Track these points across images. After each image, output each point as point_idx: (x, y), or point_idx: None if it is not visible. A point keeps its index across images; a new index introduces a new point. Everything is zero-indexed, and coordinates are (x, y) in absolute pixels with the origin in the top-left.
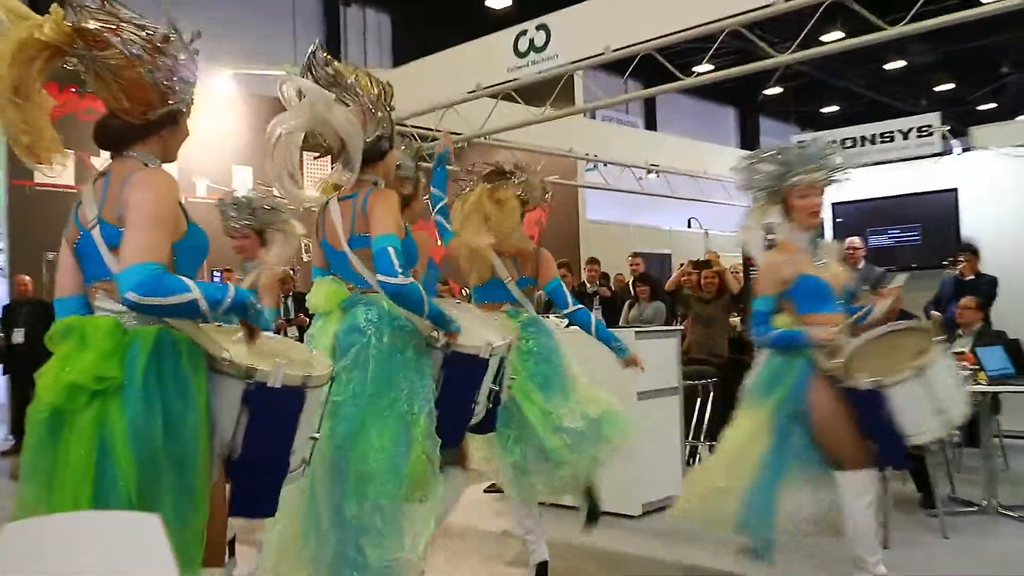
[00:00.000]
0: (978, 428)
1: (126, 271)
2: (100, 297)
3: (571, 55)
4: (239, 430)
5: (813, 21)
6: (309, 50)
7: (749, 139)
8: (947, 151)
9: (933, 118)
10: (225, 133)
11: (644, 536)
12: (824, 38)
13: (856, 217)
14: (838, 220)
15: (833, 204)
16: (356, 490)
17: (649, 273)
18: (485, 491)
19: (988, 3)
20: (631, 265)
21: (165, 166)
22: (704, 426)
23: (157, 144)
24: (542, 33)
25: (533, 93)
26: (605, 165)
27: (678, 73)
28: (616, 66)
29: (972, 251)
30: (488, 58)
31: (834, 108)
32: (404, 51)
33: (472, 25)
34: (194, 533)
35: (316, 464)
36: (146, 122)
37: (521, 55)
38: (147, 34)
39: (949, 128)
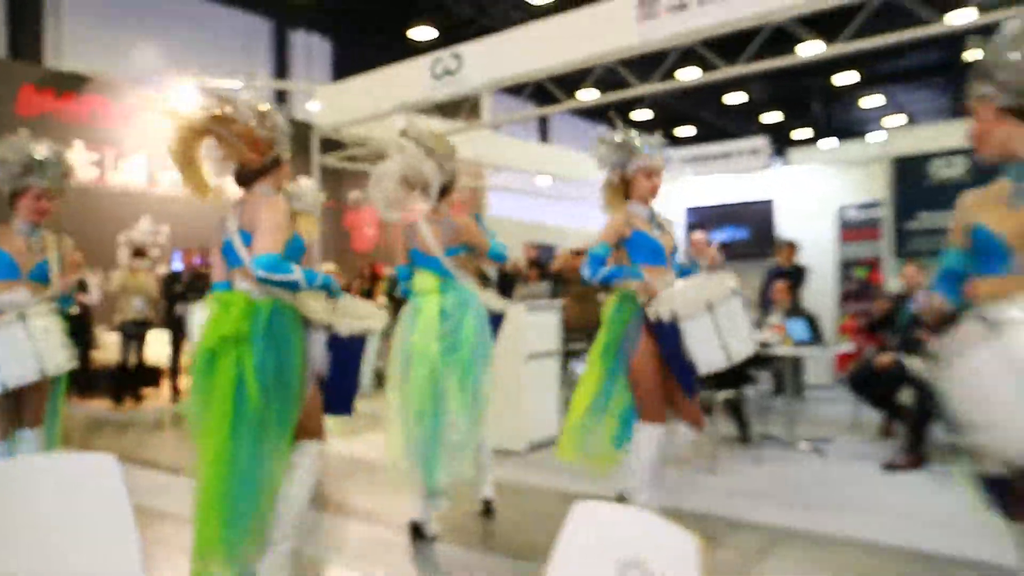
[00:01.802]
0: (784, 381)
1: (257, 257)
2: (238, 279)
3: (479, 78)
4: (326, 363)
5: (672, 60)
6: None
7: None
8: (770, 166)
9: (761, 141)
10: None
11: (529, 468)
12: (681, 74)
13: (703, 217)
14: (690, 220)
15: (688, 208)
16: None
17: (538, 259)
18: None
19: (802, 55)
20: (525, 252)
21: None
22: (576, 380)
23: (271, 180)
24: (455, 59)
25: (447, 109)
26: (505, 171)
27: (563, 97)
28: (516, 89)
29: (790, 245)
30: (411, 79)
31: (689, 130)
32: (342, 69)
33: (399, 51)
34: (291, 425)
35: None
36: (261, 166)
37: (438, 77)
38: (255, 107)
39: (773, 149)
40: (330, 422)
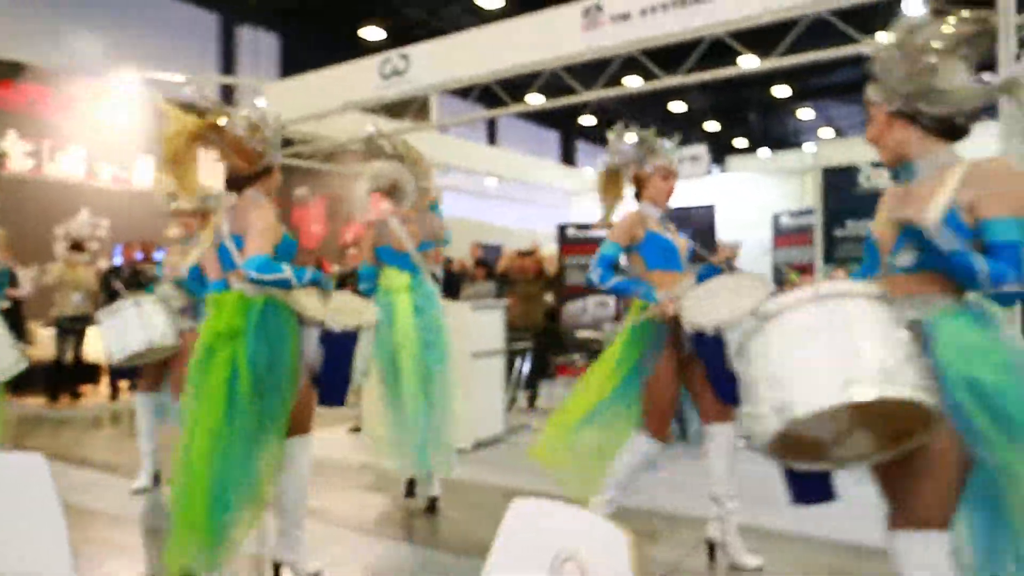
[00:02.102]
0: None
1: (249, 259)
2: (233, 280)
3: (426, 80)
4: (319, 357)
5: (615, 68)
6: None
7: (568, 157)
8: (710, 173)
9: (702, 149)
10: (130, 126)
11: (474, 465)
12: (625, 81)
13: None
14: None
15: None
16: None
17: (485, 259)
18: (349, 431)
19: (742, 67)
20: (472, 252)
21: None
22: (521, 379)
23: (261, 186)
24: (404, 60)
25: (395, 109)
26: (453, 172)
27: (510, 101)
28: (463, 92)
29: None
30: (359, 78)
31: (632, 137)
32: (289, 67)
33: (349, 50)
34: (283, 416)
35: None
36: (251, 173)
37: (386, 77)
38: (248, 119)
39: (712, 157)
40: None
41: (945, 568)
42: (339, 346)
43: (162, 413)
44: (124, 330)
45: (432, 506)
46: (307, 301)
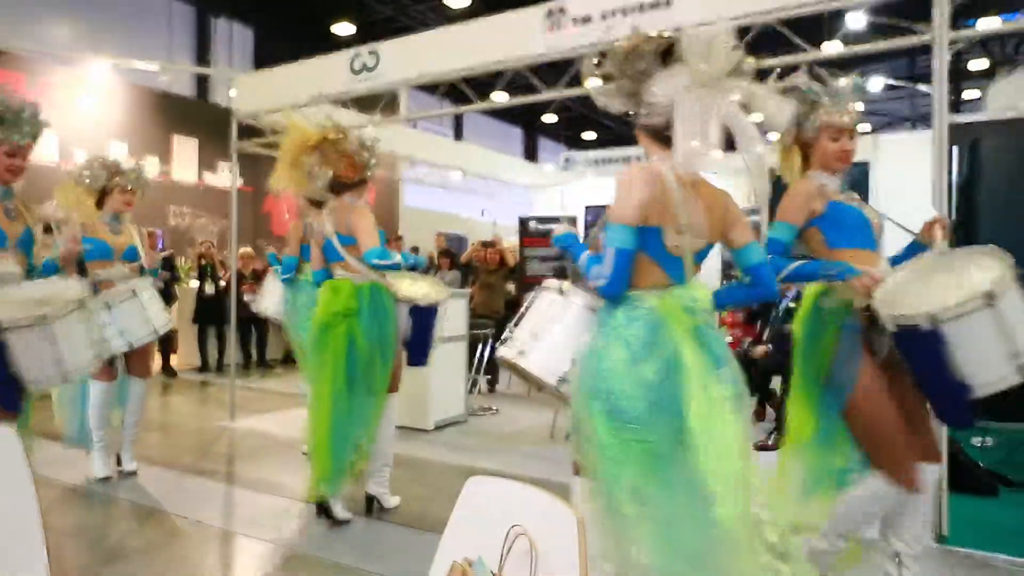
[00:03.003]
0: None
1: (369, 251)
2: (339, 271)
3: (395, 76)
4: (408, 328)
5: (577, 68)
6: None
7: (531, 153)
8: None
9: None
10: (104, 112)
11: (436, 446)
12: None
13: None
14: (588, 219)
15: (586, 207)
16: None
17: (450, 249)
18: None
19: None
20: (436, 242)
21: None
22: (483, 364)
23: (358, 192)
24: (373, 56)
25: (365, 103)
26: (420, 165)
27: (476, 98)
28: (431, 88)
29: None
30: (329, 72)
31: (592, 134)
32: (263, 59)
33: (320, 43)
34: (387, 377)
35: None
36: (354, 181)
37: (356, 72)
38: (360, 139)
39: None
40: (239, 402)
41: None
42: (425, 318)
43: (120, 400)
44: (132, 320)
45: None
46: (401, 283)
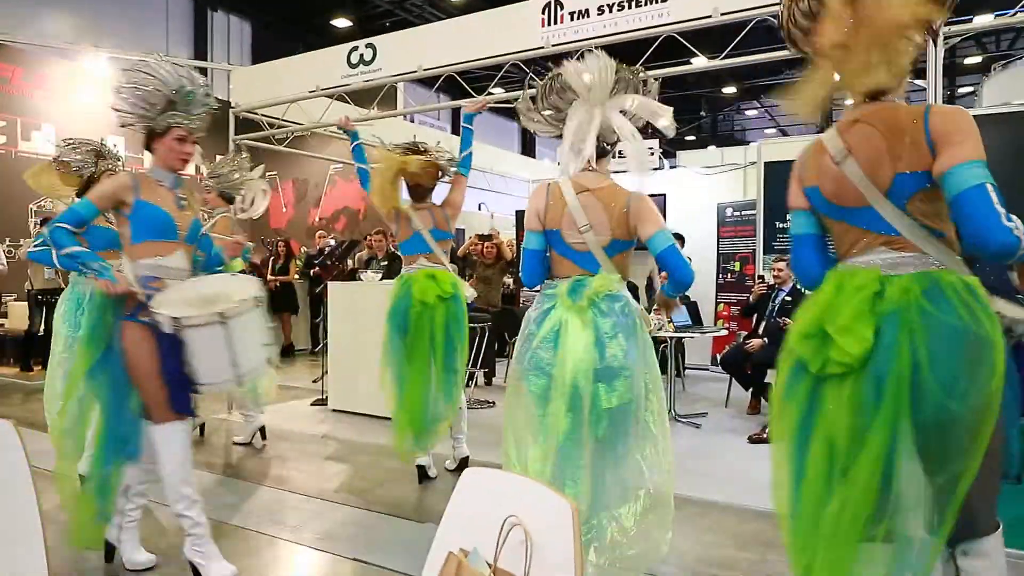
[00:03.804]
0: (667, 362)
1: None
2: (423, 259)
3: (392, 70)
4: None
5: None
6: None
7: (528, 147)
8: (662, 167)
9: (654, 143)
10: (102, 106)
11: None
12: None
13: None
14: None
15: None
16: None
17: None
18: (311, 404)
19: (693, 65)
20: None
21: None
22: (480, 357)
23: (430, 195)
24: (370, 50)
25: (362, 97)
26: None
27: (473, 92)
28: (429, 82)
29: (678, 237)
30: (327, 66)
31: None
32: (260, 53)
33: (318, 38)
34: (465, 356)
35: None
36: (432, 187)
37: (353, 66)
38: (443, 154)
39: (663, 151)
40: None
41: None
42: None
43: None
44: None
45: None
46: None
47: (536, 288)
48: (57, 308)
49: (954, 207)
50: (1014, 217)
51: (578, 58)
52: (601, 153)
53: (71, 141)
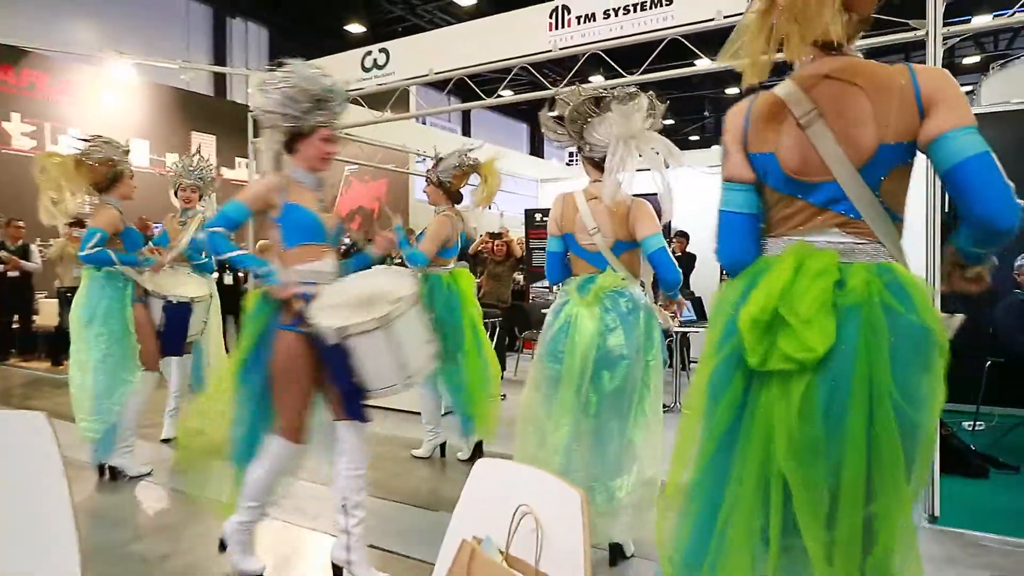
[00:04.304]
0: (673, 355)
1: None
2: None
3: (405, 74)
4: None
5: (580, 65)
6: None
7: (537, 148)
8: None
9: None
10: (126, 111)
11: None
12: (590, 78)
13: None
14: None
15: None
16: None
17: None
18: None
19: (697, 67)
20: None
21: None
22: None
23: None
24: (383, 55)
25: (376, 100)
26: (430, 160)
27: (483, 95)
28: (440, 85)
29: (683, 235)
30: (341, 70)
31: None
32: (277, 57)
33: (333, 42)
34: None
35: None
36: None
37: (367, 70)
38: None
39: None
40: None
41: None
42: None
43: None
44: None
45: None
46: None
47: (556, 284)
48: (73, 309)
49: (954, 177)
50: None
51: (615, 94)
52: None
53: (100, 136)
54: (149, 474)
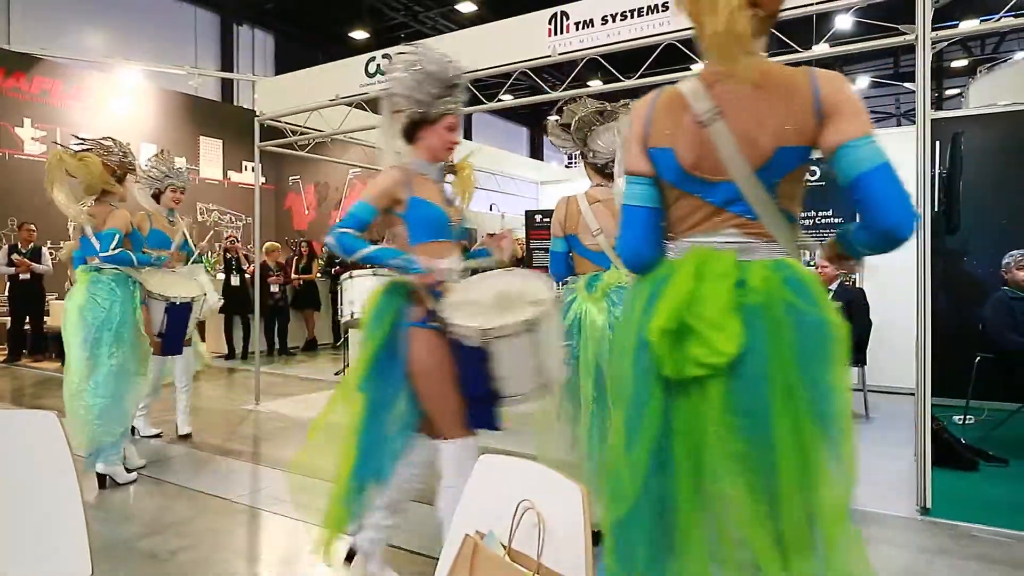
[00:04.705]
0: None
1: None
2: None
3: None
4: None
5: (578, 70)
6: None
7: (537, 151)
8: None
9: None
10: (135, 116)
11: None
12: (588, 83)
13: None
14: None
15: None
16: None
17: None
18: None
19: (693, 71)
20: None
21: None
22: None
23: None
24: (387, 61)
25: (379, 105)
26: None
27: (484, 99)
28: None
29: None
30: (346, 75)
31: None
32: (283, 64)
33: (337, 49)
34: None
35: None
36: None
37: (371, 75)
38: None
39: None
40: (264, 387)
41: None
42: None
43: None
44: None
45: None
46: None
47: (559, 282)
48: (75, 312)
49: (857, 188)
50: None
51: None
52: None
53: (109, 138)
54: (144, 465)
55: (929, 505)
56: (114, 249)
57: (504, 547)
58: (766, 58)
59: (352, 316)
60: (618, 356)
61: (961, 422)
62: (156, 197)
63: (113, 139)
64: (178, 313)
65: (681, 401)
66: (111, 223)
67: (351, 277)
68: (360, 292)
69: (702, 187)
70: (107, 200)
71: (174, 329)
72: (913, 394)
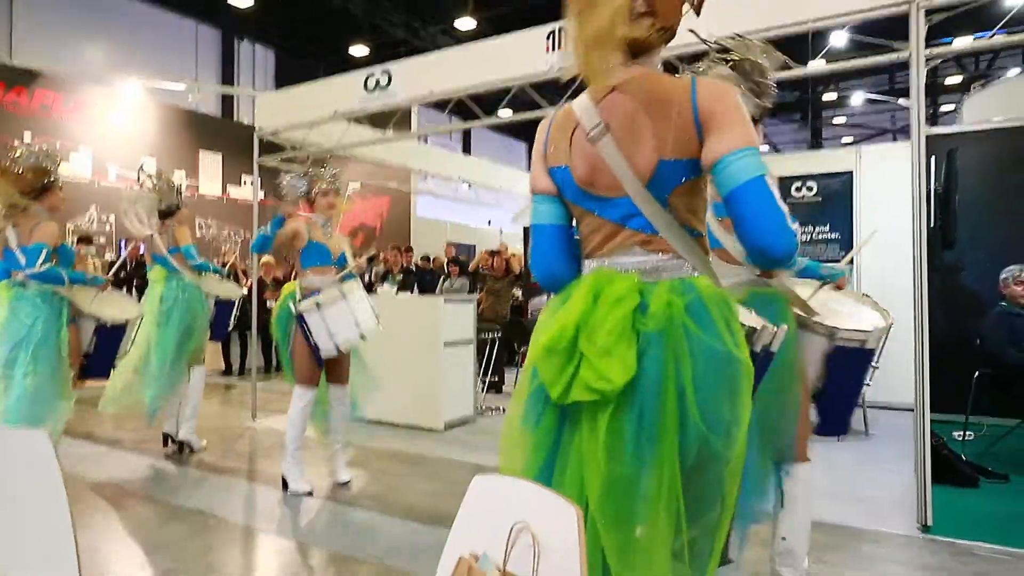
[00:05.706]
0: None
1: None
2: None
3: (407, 94)
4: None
5: (577, 85)
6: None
7: None
8: None
9: None
10: (135, 131)
11: (446, 444)
12: None
13: None
14: None
15: None
16: None
17: (459, 257)
18: None
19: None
20: (446, 251)
21: None
22: (490, 366)
23: None
24: (386, 76)
25: (379, 120)
26: (431, 178)
27: (482, 114)
28: (441, 105)
29: None
30: (345, 90)
31: None
32: (283, 78)
33: (337, 64)
34: None
35: None
36: None
37: (370, 91)
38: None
39: None
40: (260, 403)
41: None
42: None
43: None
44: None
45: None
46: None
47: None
48: None
49: (731, 203)
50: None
51: None
52: None
53: (33, 143)
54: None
55: (930, 523)
56: (42, 265)
57: (499, 569)
58: (657, 70)
59: (362, 338)
60: (527, 367)
61: (960, 438)
62: (162, 215)
63: (40, 147)
64: (109, 336)
65: (571, 426)
66: (38, 236)
67: (318, 307)
68: (345, 314)
69: (599, 204)
70: (34, 211)
71: (103, 351)
72: (912, 410)
